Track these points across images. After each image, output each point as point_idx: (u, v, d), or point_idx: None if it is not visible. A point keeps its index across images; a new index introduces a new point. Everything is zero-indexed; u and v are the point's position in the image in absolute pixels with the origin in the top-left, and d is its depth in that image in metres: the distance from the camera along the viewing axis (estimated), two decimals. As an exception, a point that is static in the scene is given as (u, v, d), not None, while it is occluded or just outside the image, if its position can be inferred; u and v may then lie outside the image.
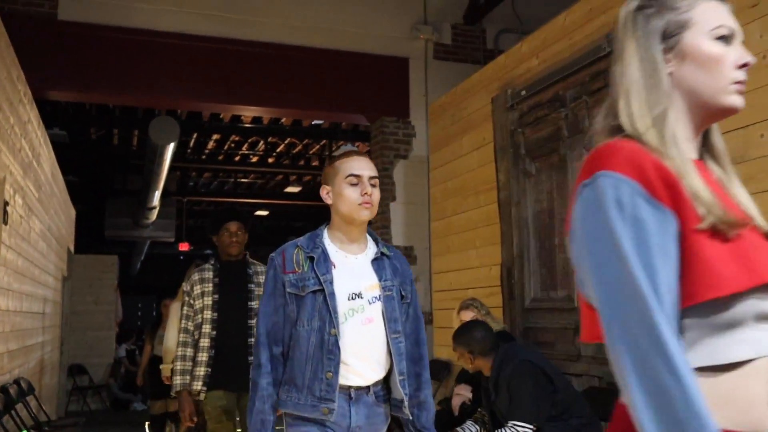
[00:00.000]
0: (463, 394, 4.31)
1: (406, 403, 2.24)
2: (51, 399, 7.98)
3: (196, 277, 3.79)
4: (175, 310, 5.00)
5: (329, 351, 2.13)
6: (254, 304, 3.73)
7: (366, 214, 2.30)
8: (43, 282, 6.62)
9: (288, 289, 2.19)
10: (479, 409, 3.92)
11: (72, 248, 9.84)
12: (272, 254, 2.31)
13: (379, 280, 2.24)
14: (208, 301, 3.72)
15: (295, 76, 6.78)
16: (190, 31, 6.46)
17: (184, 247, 15.33)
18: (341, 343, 2.14)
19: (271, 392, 2.17)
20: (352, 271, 2.25)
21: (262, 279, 3.72)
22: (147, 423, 7.31)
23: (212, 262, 3.87)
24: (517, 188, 4.89)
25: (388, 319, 2.22)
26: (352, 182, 2.33)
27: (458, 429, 3.85)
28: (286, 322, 2.20)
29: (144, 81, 6.40)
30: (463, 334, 3.60)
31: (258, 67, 6.66)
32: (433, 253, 6.44)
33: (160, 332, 6.40)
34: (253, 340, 3.40)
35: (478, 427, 3.82)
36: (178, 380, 3.68)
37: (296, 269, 2.20)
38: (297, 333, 2.18)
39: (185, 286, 3.86)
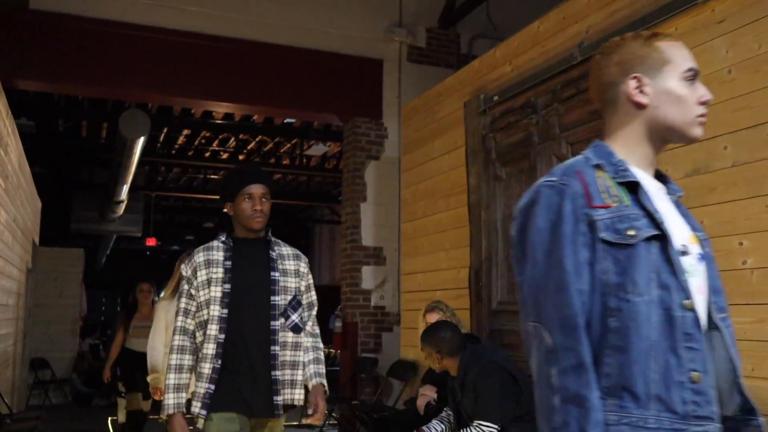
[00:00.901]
0: (428, 394, 4.36)
1: None
2: (12, 392, 7.87)
3: (200, 258, 2.84)
4: (163, 308, 4.36)
5: (686, 335, 1.33)
6: (278, 299, 2.83)
7: None
8: (6, 273, 6.53)
9: (602, 234, 1.35)
10: (444, 409, 3.97)
11: (37, 240, 9.71)
12: (553, 177, 1.44)
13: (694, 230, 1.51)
14: (217, 292, 2.77)
15: (269, 73, 6.78)
16: (163, 25, 6.42)
17: (151, 242, 15.22)
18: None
19: (603, 414, 1.29)
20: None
21: (288, 265, 2.93)
22: (111, 419, 7.23)
23: (223, 238, 2.91)
24: (487, 192, 4.95)
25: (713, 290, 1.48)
26: None
27: (424, 428, 3.89)
28: (595, 291, 1.34)
29: (115, 73, 6.35)
30: (432, 334, 3.65)
31: (231, 63, 6.65)
32: (403, 254, 6.49)
33: (135, 322, 6.11)
34: (277, 348, 2.76)
35: (444, 426, 3.87)
36: (170, 399, 2.74)
37: (609, 203, 1.38)
38: (626, 307, 1.32)
39: (184, 270, 2.88)
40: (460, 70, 5.77)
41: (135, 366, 5.66)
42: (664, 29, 3.53)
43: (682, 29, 3.43)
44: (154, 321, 4.44)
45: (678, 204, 1.54)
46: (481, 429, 3.35)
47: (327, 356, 11.91)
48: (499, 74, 4.98)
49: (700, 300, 1.39)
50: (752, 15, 3.07)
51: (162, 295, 4.64)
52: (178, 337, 2.81)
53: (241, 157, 12.47)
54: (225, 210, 2.93)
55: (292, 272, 2.93)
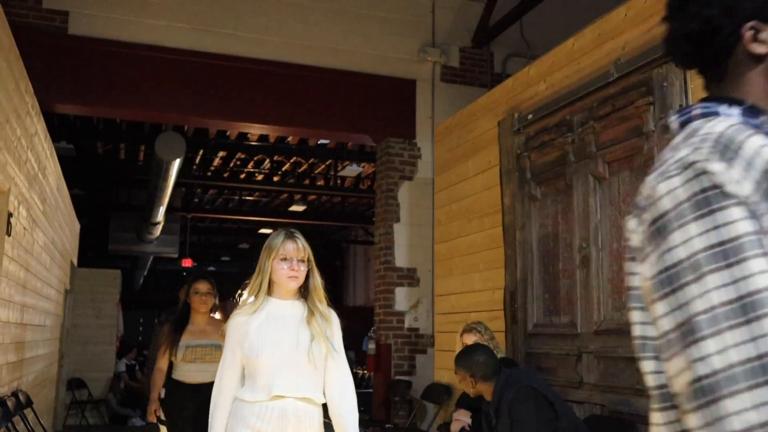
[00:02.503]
0: (462, 419, 4.26)
1: None
2: (49, 413, 7.93)
3: None
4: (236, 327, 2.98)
5: None
6: None
7: None
8: (45, 295, 6.60)
9: None
10: (479, 435, 3.88)
11: (75, 261, 9.83)
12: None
13: None
14: None
15: (303, 95, 6.80)
16: (198, 48, 6.49)
17: (187, 263, 15.33)
18: None
19: None
20: None
21: None
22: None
23: None
24: (522, 212, 4.87)
25: None
26: None
27: (458, 454, 3.80)
28: None
29: (151, 96, 6.43)
30: (466, 358, 3.57)
31: (265, 85, 6.69)
32: (436, 275, 6.41)
33: (186, 340, 4.29)
34: None
35: (478, 453, 3.77)
36: None
37: None
38: None
39: None
40: (494, 89, 5.72)
41: (185, 404, 4.23)
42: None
43: (723, 44, 3.35)
44: (225, 347, 2.76)
45: None
46: (517, 456, 3.25)
47: (361, 378, 11.82)
48: (534, 92, 4.92)
49: None
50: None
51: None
52: None
53: (275, 179, 12.53)
54: None
55: None
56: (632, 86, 3.86)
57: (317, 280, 2.72)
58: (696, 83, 3.50)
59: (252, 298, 2.70)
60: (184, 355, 4.26)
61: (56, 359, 8.47)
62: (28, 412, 5.46)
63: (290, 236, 2.69)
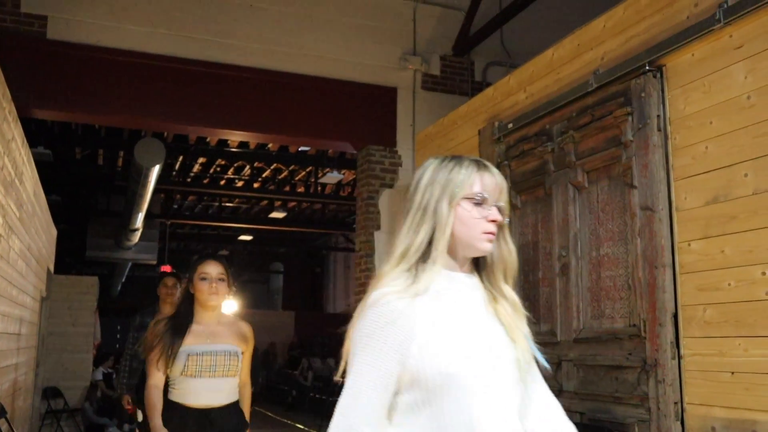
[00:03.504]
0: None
1: None
2: (24, 422, 7.82)
3: None
4: None
5: None
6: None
7: None
8: (20, 302, 6.52)
9: None
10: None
11: (52, 268, 9.73)
12: None
13: None
14: None
15: (283, 102, 6.79)
16: (178, 54, 6.46)
17: (166, 269, 15.22)
18: None
19: None
20: None
21: None
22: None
23: None
24: (502, 220, 4.89)
25: None
26: None
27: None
28: None
29: (131, 102, 6.39)
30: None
31: (246, 92, 6.67)
32: (417, 282, 6.41)
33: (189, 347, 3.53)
34: None
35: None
36: None
37: None
38: None
39: None
40: (474, 98, 5.75)
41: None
42: (680, 55, 3.49)
43: (699, 55, 3.39)
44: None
45: None
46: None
47: (342, 385, 11.74)
48: (514, 102, 4.95)
49: None
50: (771, 40, 3.02)
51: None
52: None
53: (255, 185, 12.49)
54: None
55: None
56: (611, 96, 3.90)
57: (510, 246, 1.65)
58: (673, 94, 3.54)
59: (406, 268, 1.51)
60: (185, 366, 3.15)
61: (32, 368, 8.36)
62: (1, 422, 5.38)
63: (484, 167, 1.67)
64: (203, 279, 3.23)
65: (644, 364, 3.52)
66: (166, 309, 4.87)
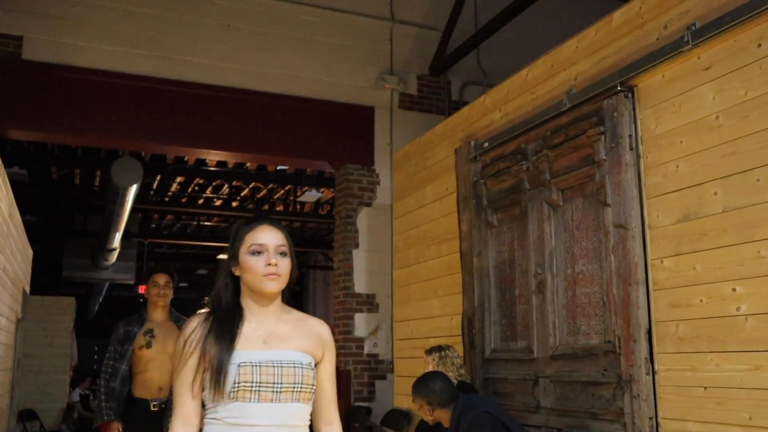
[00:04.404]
0: (422, 445, 4.26)
1: None
2: (-2, 446, 7.69)
3: None
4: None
5: None
6: None
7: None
8: (-5, 324, 6.44)
9: None
10: (438, 461, 3.87)
11: (27, 289, 9.62)
12: None
13: None
14: None
15: (261, 121, 6.81)
16: (155, 74, 6.46)
17: (143, 289, 15.10)
18: None
19: None
20: None
21: None
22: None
23: None
24: (479, 239, 4.93)
25: None
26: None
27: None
28: None
29: (108, 122, 6.37)
30: (422, 385, 3.59)
31: (224, 111, 6.68)
32: (395, 301, 6.43)
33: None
34: None
35: (436, 480, 3.75)
36: None
37: None
38: None
39: None
40: (451, 117, 5.80)
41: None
42: (650, 76, 3.56)
43: (669, 76, 3.46)
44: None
45: None
46: (474, 482, 3.24)
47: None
48: (489, 121, 5.01)
49: None
50: (738, 62, 3.09)
51: None
52: None
53: (234, 204, 12.46)
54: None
55: None
56: (584, 116, 3.96)
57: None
58: (644, 114, 3.61)
59: None
60: (236, 384, 2.09)
61: (7, 390, 8.24)
62: (-24, 445, 5.29)
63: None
64: (256, 253, 2.06)
65: (619, 379, 3.56)
66: (157, 314, 4.31)
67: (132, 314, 4.48)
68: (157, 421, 4.12)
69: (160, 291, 4.28)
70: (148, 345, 4.18)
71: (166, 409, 4.05)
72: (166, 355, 4.03)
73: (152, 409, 4.16)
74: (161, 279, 4.34)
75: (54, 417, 10.37)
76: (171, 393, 2.61)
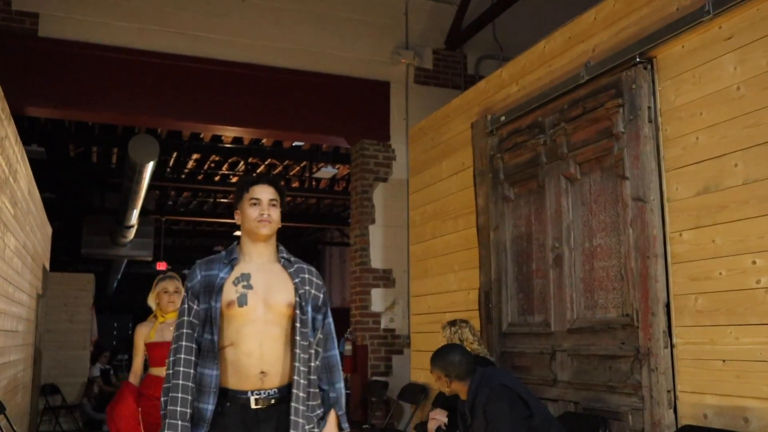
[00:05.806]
0: (438, 418, 4.29)
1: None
2: (22, 419, 7.83)
3: None
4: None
5: None
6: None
7: None
8: (17, 300, 6.52)
9: None
10: (455, 434, 3.89)
11: (47, 266, 9.72)
12: None
13: None
14: None
15: (277, 97, 6.80)
16: (171, 51, 6.46)
17: (161, 266, 15.21)
18: None
19: None
20: None
21: None
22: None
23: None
24: (496, 213, 4.92)
25: None
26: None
27: (434, 453, 3.79)
28: None
29: (124, 99, 6.38)
30: (441, 357, 3.60)
31: (239, 87, 6.67)
32: (412, 276, 6.45)
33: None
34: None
35: (454, 452, 3.78)
36: None
37: None
38: None
39: None
40: (467, 91, 5.77)
41: None
42: (670, 47, 3.51)
43: (690, 47, 3.41)
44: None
45: None
46: (492, 454, 3.26)
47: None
48: (506, 94, 4.97)
49: None
50: (760, 31, 3.04)
51: None
52: None
53: (250, 181, 12.47)
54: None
55: None
56: (602, 88, 3.92)
57: None
58: (664, 85, 3.57)
59: None
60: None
61: (29, 365, 8.37)
62: (0, 418, 5.39)
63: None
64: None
65: (637, 353, 3.55)
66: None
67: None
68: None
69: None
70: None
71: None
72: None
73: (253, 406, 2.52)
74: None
75: (76, 391, 10.52)
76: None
